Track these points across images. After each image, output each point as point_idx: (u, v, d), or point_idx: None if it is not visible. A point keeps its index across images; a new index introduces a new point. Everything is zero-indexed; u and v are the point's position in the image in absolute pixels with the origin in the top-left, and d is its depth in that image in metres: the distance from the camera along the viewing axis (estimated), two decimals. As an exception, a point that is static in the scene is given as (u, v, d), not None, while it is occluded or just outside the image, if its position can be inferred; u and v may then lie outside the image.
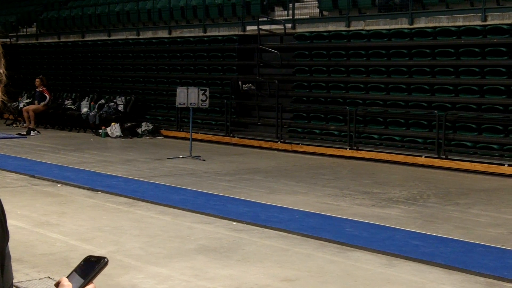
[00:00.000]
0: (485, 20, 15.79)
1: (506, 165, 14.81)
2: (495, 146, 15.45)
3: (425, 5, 17.53)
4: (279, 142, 19.19)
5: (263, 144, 19.44)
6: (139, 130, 22.40)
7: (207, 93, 17.03)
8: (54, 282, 2.00)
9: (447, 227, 9.68)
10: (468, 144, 15.82)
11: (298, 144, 18.70)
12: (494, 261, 7.96)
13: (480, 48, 15.81)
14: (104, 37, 26.44)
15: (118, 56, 25.69)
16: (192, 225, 9.72)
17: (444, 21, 16.55)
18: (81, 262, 2.06)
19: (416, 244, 8.67)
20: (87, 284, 2.02)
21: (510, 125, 15.26)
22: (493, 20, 15.74)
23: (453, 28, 16.29)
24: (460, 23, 16.24)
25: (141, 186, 12.85)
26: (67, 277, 2.02)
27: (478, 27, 15.87)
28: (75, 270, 2.03)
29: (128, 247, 8.43)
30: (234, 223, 9.84)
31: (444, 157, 15.88)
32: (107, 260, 2.05)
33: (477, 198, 12.11)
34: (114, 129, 22.08)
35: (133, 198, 11.59)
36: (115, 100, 23.83)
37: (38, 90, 24.71)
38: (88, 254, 2.09)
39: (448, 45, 16.37)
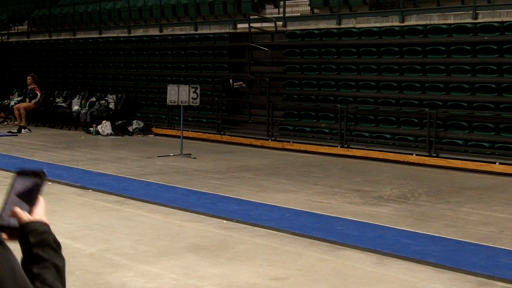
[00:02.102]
0: (476, 18, 15.79)
1: (497, 163, 14.82)
2: (486, 144, 15.45)
3: (416, 3, 17.55)
4: (270, 140, 19.16)
5: (254, 142, 19.42)
6: (130, 128, 22.35)
7: (198, 91, 16.99)
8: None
9: (438, 225, 9.68)
10: (459, 142, 15.82)
11: (289, 142, 18.68)
12: (485, 259, 7.95)
13: (471, 46, 15.81)
14: (95, 35, 26.36)
15: (109, 54, 25.63)
16: (182, 223, 9.70)
17: (435, 19, 16.55)
18: (14, 180, 2.02)
19: (407, 243, 8.65)
20: (34, 205, 1.98)
21: (501, 123, 15.27)
22: (484, 18, 15.74)
23: (444, 26, 16.28)
24: (451, 21, 16.24)
25: (132, 184, 12.81)
26: (5, 201, 1.97)
27: (469, 25, 15.87)
28: (13, 191, 2.00)
29: (118, 246, 8.40)
30: (225, 221, 9.82)
31: (435, 155, 15.88)
32: (45, 172, 2.01)
33: (468, 196, 12.11)
34: (105, 127, 22.03)
35: (123, 196, 11.55)
36: (106, 98, 23.79)
37: (29, 87, 24.63)
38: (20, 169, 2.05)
39: (439, 43, 16.37)
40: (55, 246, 1.98)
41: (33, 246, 1.93)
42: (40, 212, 2.01)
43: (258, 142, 19.31)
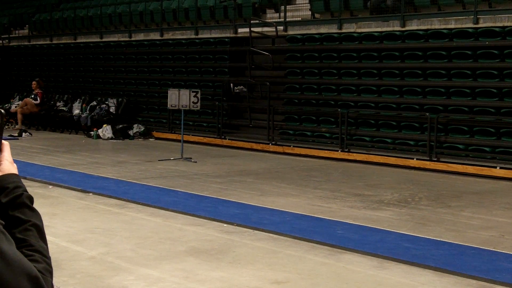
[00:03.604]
0: (477, 22, 15.81)
1: (498, 168, 14.83)
2: (487, 149, 15.46)
3: (417, 8, 17.55)
4: (270, 144, 19.17)
5: (255, 146, 19.42)
6: (131, 132, 22.36)
7: (198, 95, 17.00)
8: None
9: (438, 229, 9.67)
10: (460, 146, 15.83)
11: (290, 146, 18.69)
12: (486, 263, 7.95)
13: (472, 51, 15.82)
14: (96, 39, 26.40)
15: (110, 58, 25.65)
16: (183, 227, 9.69)
17: (436, 24, 16.56)
18: None
19: (407, 247, 8.65)
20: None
21: (502, 127, 15.27)
22: (485, 22, 15.76)
23: (445, 31, 16.30)
24: (452, 26, 16.26)
25: (132, 188, 12.80)
26: None
27: (470, 30, 15.88)
28: None
29: (119, 249, 8.39)
30: (225, 225, 9.81)
31: (435, 159, 15.89)
32: (4, 113, 1.80)
33: (468, 200, 12.11)
34: (106, 130, 22.04)
35: (124, 200, 11.55)
36: (106, 102, 23.81)
37: (34, 92, 24.68)
38: None
39: (440, 47, 16.38)
40: (29, 203, 1.86)
41: (7, 208, 1.80)
42: (6, 162, 1.86)
43: (259, 146, 19.31)
